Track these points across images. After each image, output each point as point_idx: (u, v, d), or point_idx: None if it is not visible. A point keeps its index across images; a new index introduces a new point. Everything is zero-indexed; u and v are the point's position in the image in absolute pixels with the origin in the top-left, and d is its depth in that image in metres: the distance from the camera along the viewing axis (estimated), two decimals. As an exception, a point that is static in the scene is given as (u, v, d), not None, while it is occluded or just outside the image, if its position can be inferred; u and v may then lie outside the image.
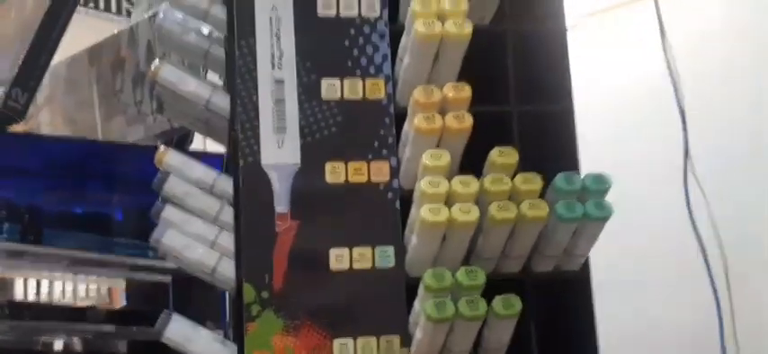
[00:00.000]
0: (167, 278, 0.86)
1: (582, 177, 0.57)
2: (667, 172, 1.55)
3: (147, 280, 0.84)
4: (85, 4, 3.36)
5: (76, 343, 0.83)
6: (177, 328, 0.55)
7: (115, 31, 0.92)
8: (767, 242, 1.53)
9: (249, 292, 0.56)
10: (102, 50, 0.92)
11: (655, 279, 1.60)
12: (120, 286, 0.87)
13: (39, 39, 0.72)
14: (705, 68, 1.86)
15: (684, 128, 1.48)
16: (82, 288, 0.85)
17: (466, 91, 0.56)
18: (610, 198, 0.56)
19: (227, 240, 0.58)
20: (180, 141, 0.84)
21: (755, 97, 1.81)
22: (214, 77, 0.69)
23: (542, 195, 0.57)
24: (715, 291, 1.50)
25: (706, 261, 1.50)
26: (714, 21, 1.93)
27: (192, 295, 0.86)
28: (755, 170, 1.79)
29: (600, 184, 0.56)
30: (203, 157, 0.75)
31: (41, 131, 0.98)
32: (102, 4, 3.42)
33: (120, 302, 0.88)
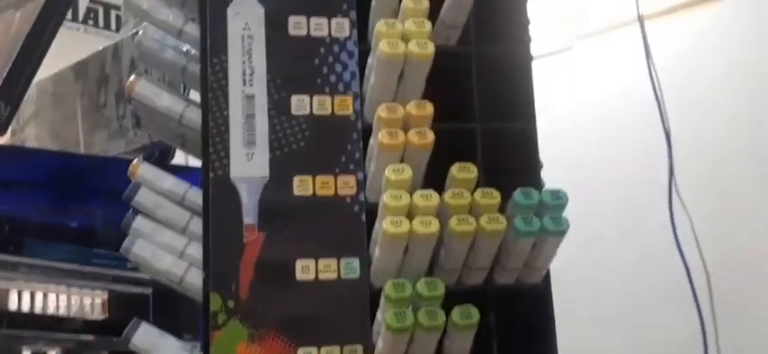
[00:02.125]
0: (148, 290, 0.88)
1: (539, 192, 0.58)
2: (652, 193, 1.57)
3: (127, 292, 0.86)
4: (84, 22, 3.42)
5: (57, 353, 0.85)
6: (144, 335, 0.57)
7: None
8: (753, 263, 1.54)
9: (216, 301, 0.58)
10: (87, 66, 0.95)
11: (640, 300, 1.61)
12: (101, 297, 0.89)
13: (23, 53, 0.74)
14: (691, 89, 1.88)
15: (669, 149, 1.50)
16: (63, 299, 0.87)
17: (428, 108, 0.58)
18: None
19: (196, 250, 0.60)
20: (162, 155, 0.86)
21: (742, 118, 1.83)
22: (196, 95, 0.71)
23: (503, 210, 0.58)
24: (699, 312, 1.51)
25: (691, 282, 1.52)
26: (701, 42, 1.96)
27: (173, 306, 0.87)
28: (741, 191, 1.80)
29: (557, 199, 0.58)
30: (184, 172, 0.78)
31: (27, 145, 1.00)
32: (101, 22, 3.48)
33: (101, 313, 0.90)
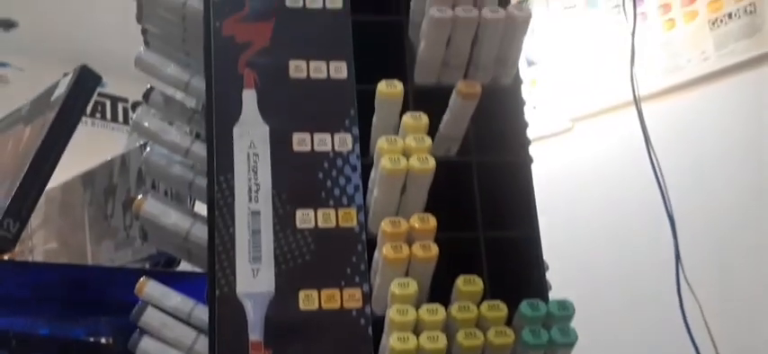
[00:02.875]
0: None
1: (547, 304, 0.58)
2: (660, 277, 1.56)
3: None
4: (92, 115, 3.48)
5: None
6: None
7: (109, 158, 0.96)
8: (761, 346, 1.52)
9: (223, 422, 0.57)
10: (95, 176, 0.97)
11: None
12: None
13: (32, 170, 0.76)
14: (692, 170, 1.90)
15: (674, 235, 1.50)
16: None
17: (431, 222, 0.59)
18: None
19: (203, 370, 0.59)
20: (168, 263, 0.87)
21: (745, 197, 1.84)
22: (203, 206, 0.72)
23: (510, 320, 0.58)
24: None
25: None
26: (699, 123, 1.98)
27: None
28: (747, 271, 1.79)
29: (564, 310, 0.58)
30: (191, 277, 0.78)
31: (35, 253, 1.01)
32: (108, 115, 3.53)
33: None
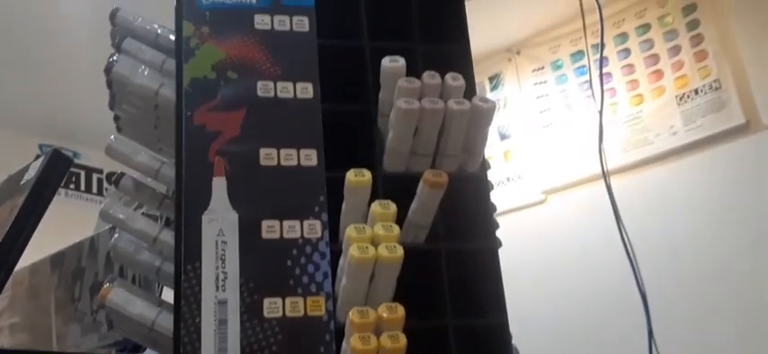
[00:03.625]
0: None
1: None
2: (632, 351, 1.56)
3: None
4: (66, 186, 3.45)
5: None
6: None
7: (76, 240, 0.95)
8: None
9: None
10: (64, 258, 0.95)
11: None
12: None
13: (1, 251, 0.75)
14: (663, 247, 1.92)
15: (647, 311, 1.50)
16: None
17: (399, 311, 0.59)
18: None
19: None
20: (134, 349, 0.85)
21: (717, 273, 1.86)
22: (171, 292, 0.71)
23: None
24: None
25: None
26: (668, 198, 2.02)
27: None
28: (723, 349, 1.80)
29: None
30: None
31: (1, 335, 0.99)
32: (83, 185, 3.51)
33: None
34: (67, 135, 3.16)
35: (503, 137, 2.38)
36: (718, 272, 1.86)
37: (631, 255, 1.42)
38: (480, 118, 0.65)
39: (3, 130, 3.02)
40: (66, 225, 1.25)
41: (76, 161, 3.17)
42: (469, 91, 0.67)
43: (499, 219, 0.72)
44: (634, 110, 2.16)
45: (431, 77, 0.65)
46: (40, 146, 3.08)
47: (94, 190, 3.42)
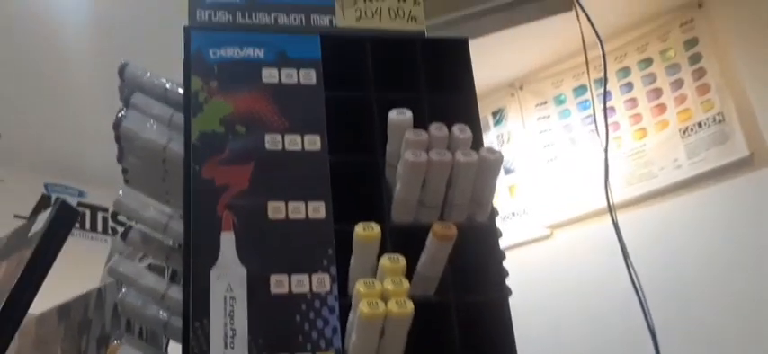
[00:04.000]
0: None
1: None
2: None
3: None
4: (71, 226, 3.45)
5: None
6: None
7: (84, 291, 0.95)
8: None
9: None
10: (70, 309, 0.95)
11: None
12: None
13: (7, 308, 0.74)
14: (671, 281, 1.91)
15: (656, 349, 1.48)
16: None
17: (410, 368, 0.59)
18: None
19: None
20: (142, 401, 0.85)
21: (726, 307, 1.84)
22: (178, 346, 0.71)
23: None
24: None
25: None
26: (675, 232, 2.01)
27: None
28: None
29: None
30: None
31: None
32: (88, 224, 3.51)
33: None
34: (73, 174, 3.17)
35: (507, 171, 2.37)
36: (728, 307, 1.84)
37: (641, 294, 1.41)
38: (488, 169, 0.65)
39: (9, 168, 3.04)
40: (71, 263, 1.24)
41: (82, 200, 3.17)
42: (476, 141, 0.68)
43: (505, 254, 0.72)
44: (637, 144, 2.16)
45: (438, 129, 0.65)
46: (46, 186, 3.09)
47: (99, 228, 3.42)
